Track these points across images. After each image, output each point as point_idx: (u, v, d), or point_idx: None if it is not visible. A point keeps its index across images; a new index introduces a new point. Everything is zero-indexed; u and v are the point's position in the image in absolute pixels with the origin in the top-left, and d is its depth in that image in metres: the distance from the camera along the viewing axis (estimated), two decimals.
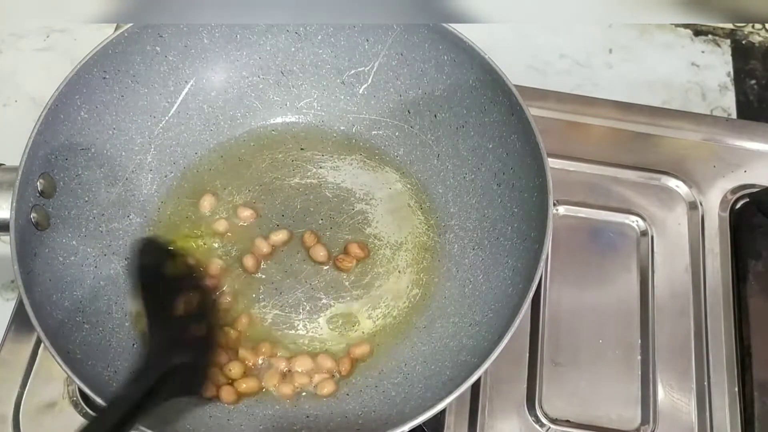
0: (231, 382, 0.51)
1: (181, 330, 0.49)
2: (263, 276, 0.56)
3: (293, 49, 0.60)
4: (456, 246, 0.57)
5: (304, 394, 0.52)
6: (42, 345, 0.56)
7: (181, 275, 0.53)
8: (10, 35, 0.74)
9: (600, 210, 0.63)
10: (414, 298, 0.56)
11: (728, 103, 0.73)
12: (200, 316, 0.51)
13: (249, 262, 0.56)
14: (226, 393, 0.51)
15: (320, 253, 0.56)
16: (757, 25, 0.78)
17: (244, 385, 0.51)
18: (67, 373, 0.44)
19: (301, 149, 0.61)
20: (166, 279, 0.51)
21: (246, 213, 0.58)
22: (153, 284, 0.50)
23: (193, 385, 0.48)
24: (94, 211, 0.55)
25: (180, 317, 0.49)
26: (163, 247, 0.54)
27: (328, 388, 0.52)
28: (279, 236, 0.57)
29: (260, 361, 0.53)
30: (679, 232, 0.62)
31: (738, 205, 0.64)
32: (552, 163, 0.53)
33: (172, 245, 0.56)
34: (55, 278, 0.50)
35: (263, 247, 0.56)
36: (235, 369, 0.52)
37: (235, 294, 0.55)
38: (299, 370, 0.52)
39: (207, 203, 0.58)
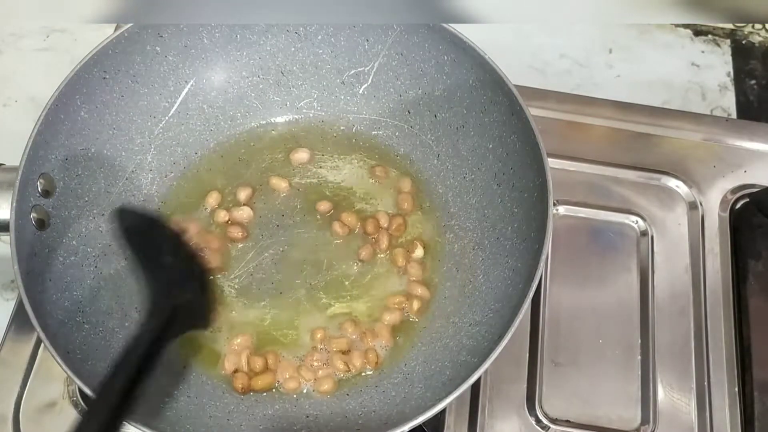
0: (250, 374, 0.52)
1: (177, 273, 0.50)
2: (263, 276, 0.56)
3: (293, 49, 0.60)
4: (456, 246, 0.57)
5: (305, 391, 0.52)
6: (42, 345, 0.56)
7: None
8: (10, 35, 0.74)
9: (600, 210, 0.63)
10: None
11: (728, 103, 0.73)
12: (192, 259, 0.53)
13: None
14: (239, 380, 0.52)
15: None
16: (757, 25, 0.78)
17: (261, 382, 0.52)
18: (67, 373, 0.44)
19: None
20: (154, 234, 0.53)
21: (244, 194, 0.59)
22: (142, 240, 0.51)
23: (198, 320, 0.51)
24: (94, 211, 0.55)
25: (173, 263, 0.51)
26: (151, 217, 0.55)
27: (327, 386, 0.52)
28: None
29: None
30: (679, 232, 0.62)
31: (738, 205, 0.64)
32: (552, 163, 0.53)
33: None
34: (55, 278, 0.50)
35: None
36: (256, 363, 0.52)
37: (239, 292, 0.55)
38: (315, 364, 0.53)
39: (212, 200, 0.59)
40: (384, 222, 0.57)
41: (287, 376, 0.52)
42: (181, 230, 0.55)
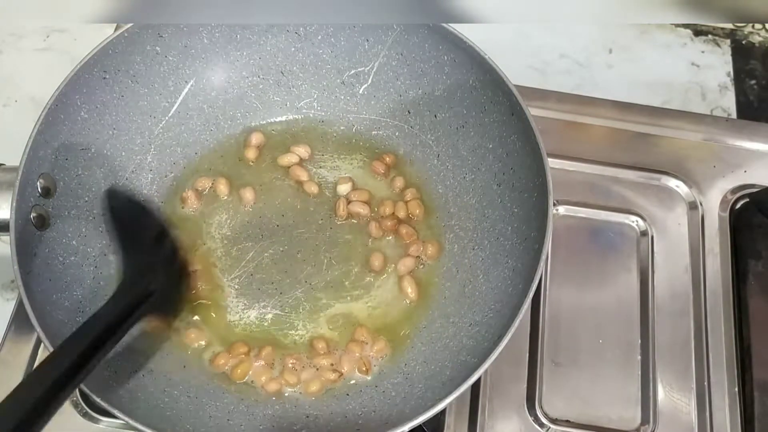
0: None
1: (155, 258, 0.52)
2: (263, 276, 0.56)
3: (293, 49, 0.60)
4: (456, 246, 0.57)
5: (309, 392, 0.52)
6: (42, 345, 0.56)
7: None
8: (10, 35, 0.74)
9: (600, 210, 0.63)
10: (414, 299, 0.56)
11: (728, 103, 0.73)
12: (173, 249, 0.53)
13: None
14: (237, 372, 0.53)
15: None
16: (757, 25, 0.78)
17: (239, 371, 0.53)
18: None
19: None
20: (136, 217, 0.54)
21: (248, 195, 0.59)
22: (129, 220, 0.53)
23: (166, 310, 0.52)
24: (94, 212, 0.54)
25: (153, 246, 0.52)
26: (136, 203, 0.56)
27: (315, 387, 0.52)
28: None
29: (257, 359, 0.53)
30: (679, 232, 0.62)
31: (738, 205, 0.64)
32: (552, 163, 0.53)
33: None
34: (55, 278, 0.50)
35: None
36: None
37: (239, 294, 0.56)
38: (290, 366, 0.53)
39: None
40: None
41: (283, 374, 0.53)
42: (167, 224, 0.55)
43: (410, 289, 0.55)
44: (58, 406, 0.40)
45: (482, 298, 0.53)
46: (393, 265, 0.57)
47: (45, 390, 0.39)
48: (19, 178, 0.47)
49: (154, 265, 0.51)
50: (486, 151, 0.56)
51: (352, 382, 0.53)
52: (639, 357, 0.57)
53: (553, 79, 0.73)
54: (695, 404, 0.56)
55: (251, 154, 0.60)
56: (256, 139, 0.60)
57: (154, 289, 0.49)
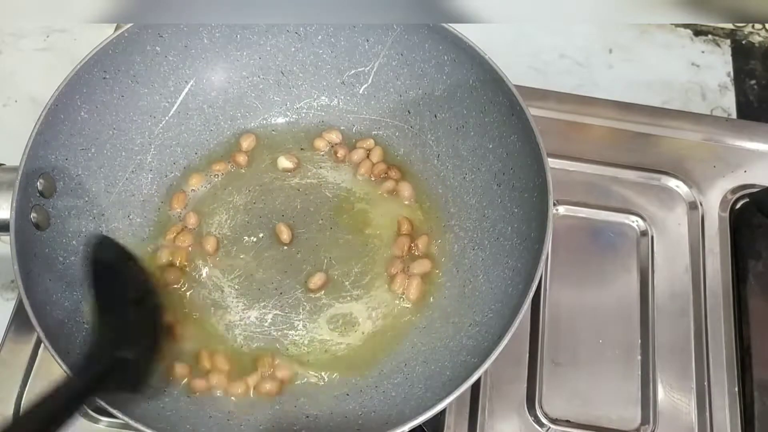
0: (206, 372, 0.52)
1: (131, 325, 0.48)
2: (263, 276, 0.56)
3: (293, 49, 0.60)
4: (456, 246, 0.57)
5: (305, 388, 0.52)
6: (42, 345, 0.56)
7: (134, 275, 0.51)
8: (10, 35, 0.74)
9: (600, 210, 0.63)
10: (414, 299, 0.56)
11: (728, 103, 0.73)
12: (155, 312, 0.50)
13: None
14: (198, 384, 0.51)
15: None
16: (757, 25, 0.78)
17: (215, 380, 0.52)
18: (67, 373, 0.44)
19: (301, 149, 0.61)
20: (120, 273, 0.50)
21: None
22: (105, 277, 0.49)
23: (135, 384, 0.46)
24: (94, 211, 0.55)
25: (133, 313, 0.48)
26: (120, 249, 0.52)
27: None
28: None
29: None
30: (679, 232, 0.62)
31: (738, 205, 0.64)
32: (552, 163, 0.53)
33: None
34: (55, 278, 0.50)
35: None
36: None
37: (238, 295, 0.56)
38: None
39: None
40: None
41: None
42: (163, 280, 0.51)
43: (411, 290, 0.55)
44: None
45: (482, 298, 0.53)
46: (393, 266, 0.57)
47: None
48: (19, 178, 0.47)
49: (128, 332, 0.47)
50: (486, 151, 0.56)
51: (353, 382, 0.53)
52: (639, 357, 0.57)
53: (553, 79, 0.73)
54: (695, 404, 0.56)
55: (251, 153, 0.60)
56: (255, 139, 0.60)
57: (123, 358, 0.44)
